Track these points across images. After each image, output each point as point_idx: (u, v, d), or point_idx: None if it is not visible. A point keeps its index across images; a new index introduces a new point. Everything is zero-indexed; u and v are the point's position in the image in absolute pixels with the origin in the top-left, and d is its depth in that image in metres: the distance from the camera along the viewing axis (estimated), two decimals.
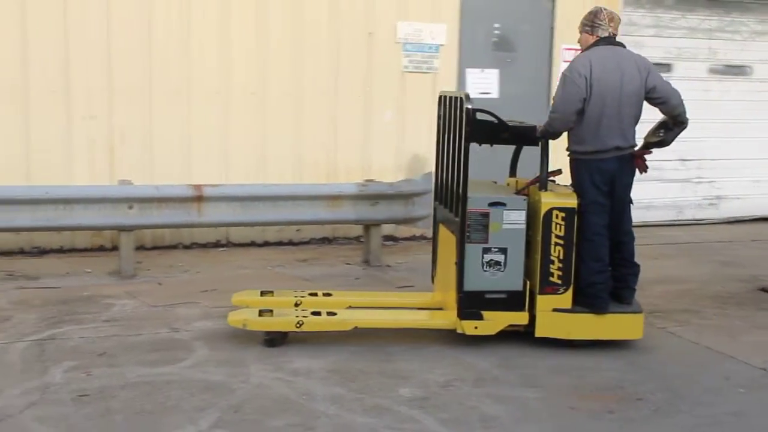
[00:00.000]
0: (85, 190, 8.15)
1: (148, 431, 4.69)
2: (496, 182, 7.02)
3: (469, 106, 6.11)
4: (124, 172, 8.73)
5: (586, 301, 6.24)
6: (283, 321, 6.19)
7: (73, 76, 8.84)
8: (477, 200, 6.15)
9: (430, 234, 9.93)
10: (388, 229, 9.55)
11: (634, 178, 6.38)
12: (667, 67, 11.20)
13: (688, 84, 11.26)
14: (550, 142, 6.39)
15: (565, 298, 6.20)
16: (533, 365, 5.95)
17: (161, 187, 8.27)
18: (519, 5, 10.33)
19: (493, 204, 6.16)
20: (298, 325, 6.11)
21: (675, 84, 6.32)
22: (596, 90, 6.11)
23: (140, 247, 8.76)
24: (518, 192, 6.46)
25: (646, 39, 11.22)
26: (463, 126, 6.14)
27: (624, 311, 6.35)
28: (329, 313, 6.31)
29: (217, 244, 9.55)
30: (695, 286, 8.43)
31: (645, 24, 11.38)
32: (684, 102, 6.28)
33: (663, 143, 6.46)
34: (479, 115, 6.25)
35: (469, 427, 4.91)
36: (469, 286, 6.17)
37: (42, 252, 8.95)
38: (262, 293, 6.80)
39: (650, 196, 11.16)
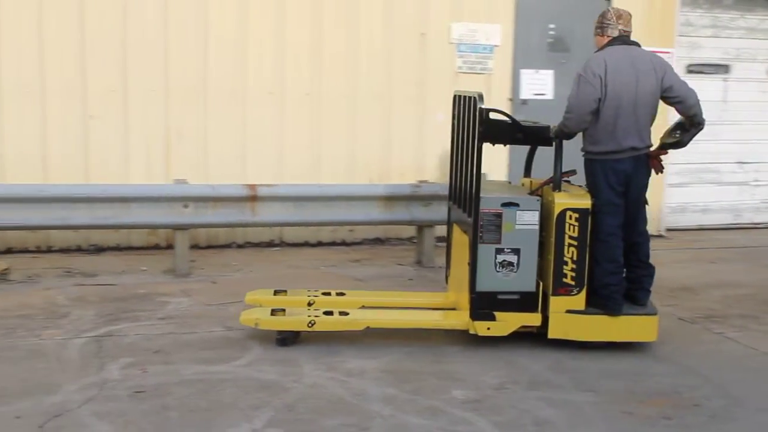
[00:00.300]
0: (141, 189, 8.27)
1: (203, 428, 4.72)
2: (510, 183, 6.99)
3: (482, 106, 6.09)
4: (180, 171, 8.83)
5: (600, 303, 6.21)
6: (294, 320, 6.21)
7: (131, 76, 8.96)
8: (490, 200, 6.13)
9: None
10: (440, 229, 9.49)
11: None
12: (725, 68, 11.06)
13: (747, 85, 11.15)
14: (565, 142, 6.34)
15: (579, 300, 6.16)
16: (586, 369, 5.90)
17: (216, 186, 8.36)
18: (574, 5, 10.24)
19: (506, 204, 6.14)
20: (309, 325, 6.12)
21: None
22: (611, 90, 6.06)
23: (194, 246, 8.84)
24: (532, 192, 6.41)
25: (703, 40, 11.09)
26: (476, 126, 6.11)
27: (638, 313, 6.30)
28: (341, 313, 6.31)
29: (270, 244, 9.60)
30: (753, 290, 8.30)
31: (702, 24, 11.21)
32: (700, 102, 6.20)
33: (679, 144, 6.39)
34: (492, 115, 6.21)
35: (523, 431, 4.89)
36: (481, 286, 6.15)
37: (99, 249, 9.08)
38: (276, 292, 6.82)
39: (707, 199, 11.02)
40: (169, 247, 8.75)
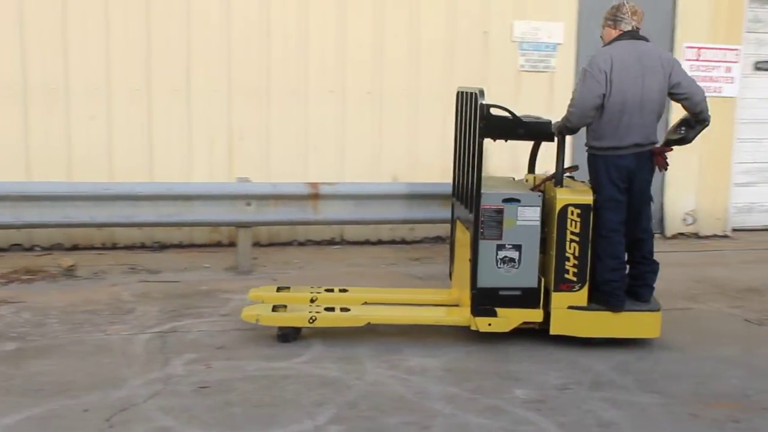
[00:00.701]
0: (204, 187, 8.35)
1: (266, 424, 4.75)
2: (514, 179, 6.99)
3: (483, 102, 6.04)
4: (243, 169, 8.92)
5: (602, 299, 6.17)
6: (295, 316, 6.21)
7: (194, 76, 9.07)
8: (491, 196, 6.10)
9: None
10: None
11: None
12: None
13: None
14: (567, 138, 6.31)
15: (581, 296, 6.13)
16: (650, 370, 5.83)
17: (278, 184, 8.41)
18: (639, 2, 10.06)
19: (507, 200, 6.10)
20: (310, 321, 6.12)
21: None
22: (616, 86, 6.00)
23: (256, 244, 8.91)
24: (533, 188, 6.36)
25: None
26: (477, 121, 6.07)
27: (641, 309, 6.25)
28: (343, 309, 6.30)
29: (331, 242, 9.64)
30: None
31: None
32: (707, 99, 6.16)
33: (684, 141, 6.31)
34: (494, 111, 6.17)
35: None
36: (482, 282, 6.13)
37: (162, 247, 9.20)
38: (279, 289, 6.83)
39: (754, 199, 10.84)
40: (232, 244, 8.84)
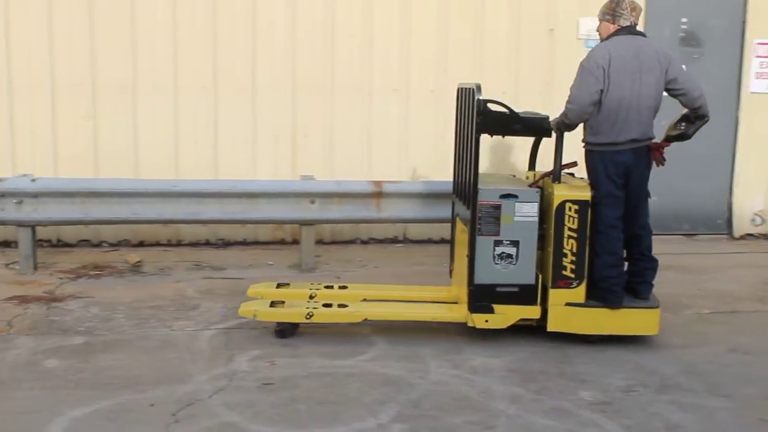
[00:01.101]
0: (269, 185, 8.40)
1: (330, 422, 4.76)
2: (514, 176, 6.94)
3: (480, 97, 6.01)
4: (306, 167, 8.97)
5: (600, 296, 6.12)
6: (292, 312, 6.22)
7: (259, 74, 9.15)
8: (488, 192, 6.07)
9: None
10: None
11: None
12: None
13: None
14: (566, 134, 6.25)
15: (579, 292, 6.08)
16: (719, 373, 5.72)
17: (342, 182, 8.44)
18: None
19: (504, 196, 6.07)
20: (308, 317, 6.12)
21: None
22: (614, 81, 5.97)
23: (319, 242, 8.94)
24: (531, 184, 6.32)
25: None
26: (474, 117, 6.03)
27: (639, 306, 6.20)
28: (340, 306, 6.30)
29: (394, 240, 9.64)
30: None
31: None
32: (705, 95, 6.11)
33: (683, 137, 6.28)
34: (492, 107, 6.14)
35: None
36: (480, 279, 6.09)
37: (226, 244, 9.28)
38: (279, 285, 6.85)
39: None
40: (295, 242, 8.89)
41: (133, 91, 8.98)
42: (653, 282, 6.33)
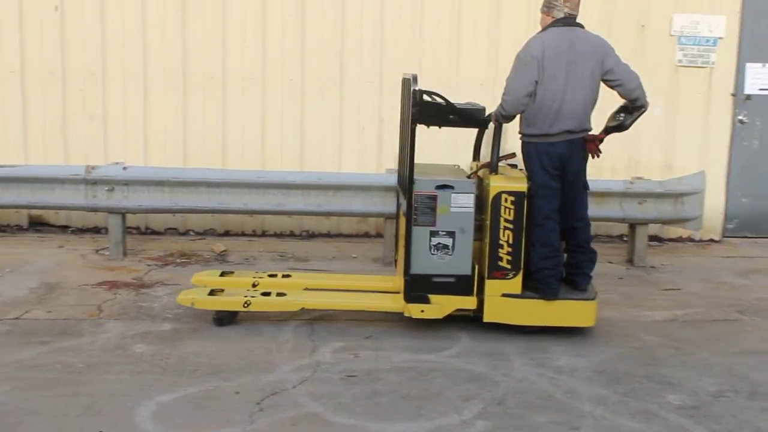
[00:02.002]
0: (354, 178, 8.42)
1: (413, 416, 4.75)
2: (458, 166, 6.87)
3: (416, 88, 5.98)
4: (392, 161, 8.94)
5: (536, 287, 6.13)
6: (230, 301, 6.22)
7: (347, 67, 9.18)
8: (424, 183, 6.07)
9: (698, 236, 9.58)
10: (653, 228, 9.22)
11: None
12: None
13: None
14: (504, 125, 6.26)
15: (515, 283, 6.08)
16: None
17: None
18: None
19: (440, 187, 6.07)
20: (245, 305, 6.14)
21: None
22: (548, 72, 5.97)
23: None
24: (469, 175, 6.32)
25: None
26: (410, 108, 6.00)
27: (575, 298, 6.20)
28: (279, 294, 6.32)
29: None
30: None
31: None
32: (643, 85, 6.11)
33: (621, 127, 6.30)
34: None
35: None
36: (416, 269, 6.08)
37: (311, 236, 9.34)
38: (223, 273, 6.85)
39: None
40: (378, 235, 8.91)
41: (222, 83, 9.10)
42: (591, 274, 6.33)
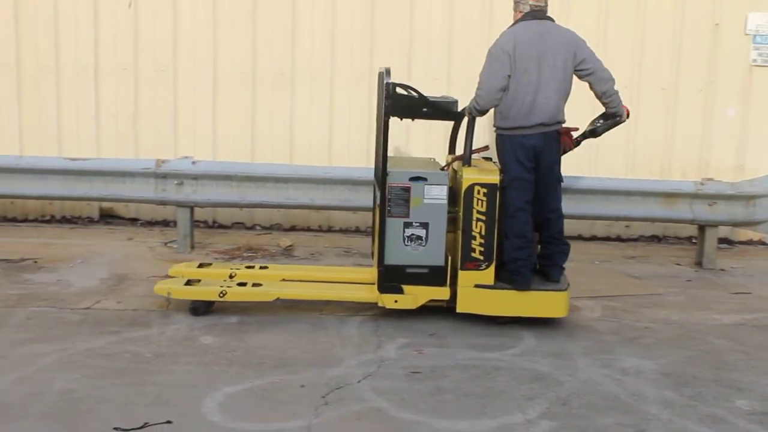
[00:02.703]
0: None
1: (477, 414, 4.74)
2: (434, 159, 6.85)
3: (389, 80, 6.04)
4: None
5: (508, 278, 6.19)
6: (206, 290, 6.26)
7: (414, 65, 9.20)
8: (398, 174, 6.14)
9: None
10: (723, 231, 9.07)
11: None
12: None
13: None
14: (477, 118, 6.29)
15: (487, 274, 6.13)
16: None
17: None
18: None
19: (414, 179, 6.13)
20: (221, 295, 6.18)
21: None
22: (520, 66, 6.04)
23: None
24: (443, 168, 6.39)
25: None
26: (383, 100, 6.06)
27: (547, 289, 6.27)
28: (255, 285, 6.37)
29: None
30: None
31: None
32: (616, 90, 6.20)
33: (593, 133, 6.44)
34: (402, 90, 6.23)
35: None
36: (390, 260, 6.16)
37: None
38: (201, 265, 6.88)
39: None
40: None
41: (291, 80, 9.18)
42: (564, 265, 6.37)
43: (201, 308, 6.28)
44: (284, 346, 5.68)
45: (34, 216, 9.40)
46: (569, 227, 9.29)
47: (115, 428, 4.35)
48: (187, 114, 9.24)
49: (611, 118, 6.36)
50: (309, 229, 9.39)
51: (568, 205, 8.15)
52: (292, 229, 9.36)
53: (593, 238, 9.52)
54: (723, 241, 9.25)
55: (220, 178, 8.23)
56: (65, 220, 9.39)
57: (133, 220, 9.43)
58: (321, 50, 9.17)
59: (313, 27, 9.15)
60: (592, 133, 6.44)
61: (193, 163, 8.25)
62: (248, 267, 6.97)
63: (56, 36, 9.14)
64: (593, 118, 6.46)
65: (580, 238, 9.48)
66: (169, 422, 4.45)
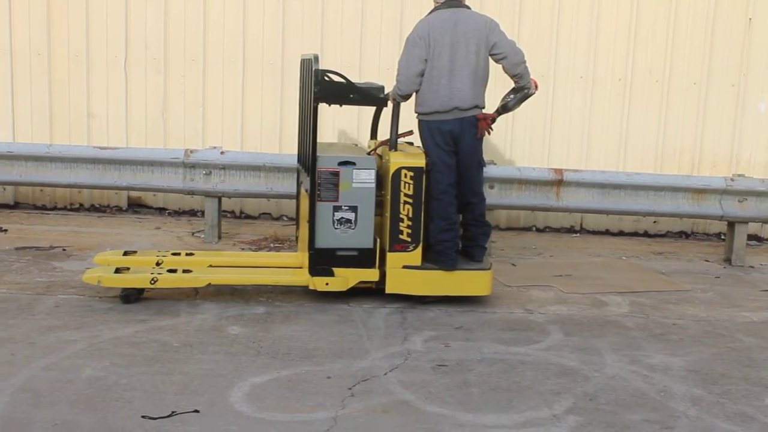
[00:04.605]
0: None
1: (503, 408, 4.72)
2: (357, 144, 6.92)
3: (317, 67, 6.15)
4: (488, 153, 8.88)
5: (434, 258, 6.39)
6: (137, 278, 6.26)
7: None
8: (327, 159, 6.28)
9: None
10: (753, 227, 9.00)
11: None
12: None
13: None
14: (402, 104, 6.47)
15: (415, 256, 6.33)
16: None
17: (523, 168, 8.37)
18: None
19: (343, 163, 6.28)
20: (152, 282, 6.20)
21: None
22: (434, 51, 6.24)
23: (495, 227, 8.83)
24: (370, 152, 6.61)
25: None
26: (312, 87, 6.17)
27: (472, 268, 6.48)
28: (185, 271, 6.40)
29: (570, 230, 9.50)
30: None
31: None
32: (527, 67, 6.35)
33: (506, 108, 6.57)
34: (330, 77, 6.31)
35: None
36: (320, 243, 6.30)
37: None
38: (126, 253, 6.88)
39: None
40: None
41: None
42: (486, 246, 6.62)
43: (132, 296, 6.28)
44: (311, 337, 5.69)
45: (63, 204, 9.47)
46: (593, 222, 9.36)
47: (143, 416, 4.38)
48: (215, 104, 9.27)
49: (520, 91, 6.49)
50: None
51: (592, 200, 8.17)
52: None
53: (620, 234, 9.48)
54: (752, 237, 9.17)
55: (247, 168, 8.26)
56: (94, 209, 9.46)
57: (161, 210, 9.48)
58: (350, 46, 9.18)
59: (342, 18, 9.13)
60: (504, 108, 6.57)
61: (222, 153, 8.27)
62: (174, 254, 6.96)
63: (87, 26, 9.19)
64: (504, 94, 6.56)
65: (607, 233, 9.46)
66: (196, 411, 4.47)
